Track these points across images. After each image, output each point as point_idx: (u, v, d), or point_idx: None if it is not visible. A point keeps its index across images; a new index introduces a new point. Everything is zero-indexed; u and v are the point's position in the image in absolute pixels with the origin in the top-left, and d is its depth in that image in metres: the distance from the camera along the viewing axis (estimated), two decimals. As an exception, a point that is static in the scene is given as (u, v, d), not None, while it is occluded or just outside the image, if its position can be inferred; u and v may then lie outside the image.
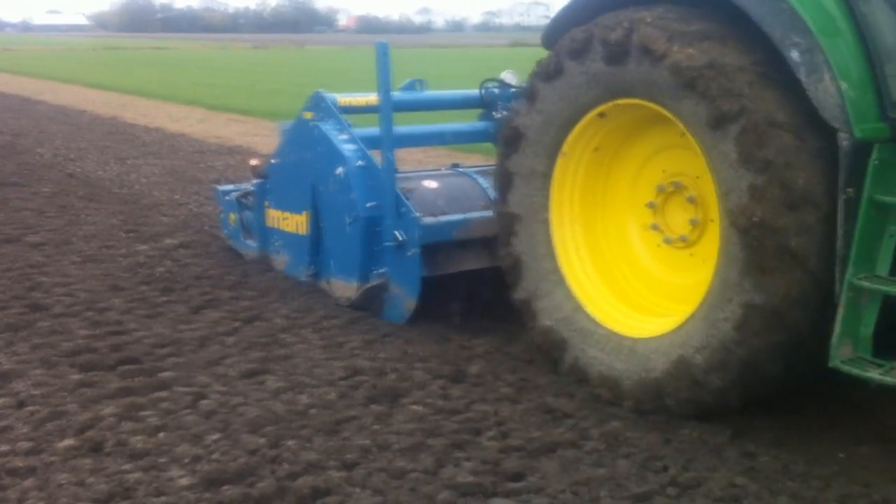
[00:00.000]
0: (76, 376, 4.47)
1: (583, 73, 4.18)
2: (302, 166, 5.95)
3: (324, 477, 3.45)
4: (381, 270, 5.40)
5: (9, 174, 10.69)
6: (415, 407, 4.13)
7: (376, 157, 5.47)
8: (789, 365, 3.74)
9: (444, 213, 5.41)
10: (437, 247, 5.28)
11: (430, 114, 6.84)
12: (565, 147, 4.42)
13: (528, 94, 4.51)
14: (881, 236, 3.53)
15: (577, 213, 4.57)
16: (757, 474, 3.50)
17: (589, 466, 3.58)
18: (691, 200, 4.17)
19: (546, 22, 4.80)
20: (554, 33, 4.50)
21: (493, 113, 6.25)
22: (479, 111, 6.49)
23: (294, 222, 6.11)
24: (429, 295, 5.24)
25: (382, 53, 5.27)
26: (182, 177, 10.74)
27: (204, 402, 4.17)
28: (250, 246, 6.66)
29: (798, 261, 3.54)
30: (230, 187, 7.20)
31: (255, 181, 6.53)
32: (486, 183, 5.67)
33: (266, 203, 6.43)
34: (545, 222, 4.55)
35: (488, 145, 6.55)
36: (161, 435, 3.82)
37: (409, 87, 6.36)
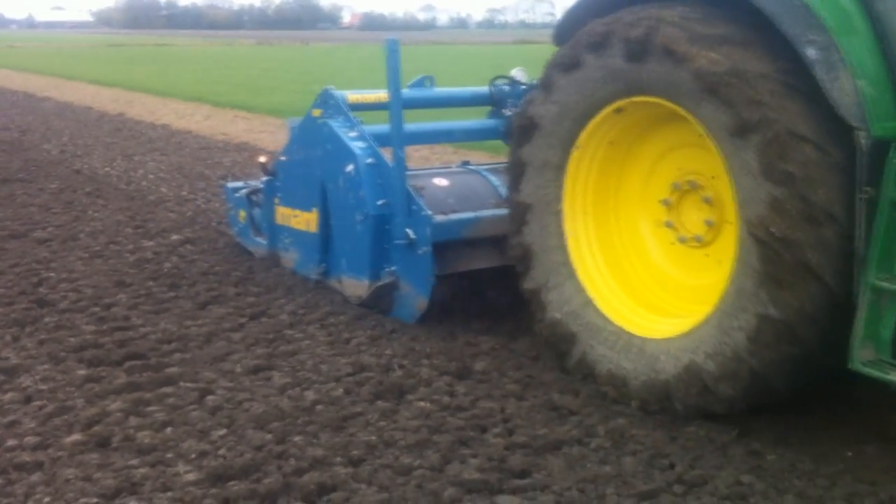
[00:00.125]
0: (83, 372, 4.48)
1: (601, 67, 4.09)
2: (311, 163, 5.92)
3: (330, 473, 3.46)
4: (392, 269, 5.38)
5: (16, 170, 10.71)
6: (421, 403, 4.13)
7: (386, 154, 5.44)
8: (797, 377, 3.72)
9: (454, 211, 5.36)
10: (448, 245, 5.23)
11: (436, 111, 6.81)
12: (580, 140, 4.35)
13: (545, 84, 4.41)
14: None
15: (590, 206, 4.50)
16: (763, 472, 3.50)
17: (595, 464, 3.58)
18: (707, 201, 4.10)
19: (551, 19, 4.76)
20: (567, 28, 4.42)
21: (503, 110, 6.23)
22: (487, 109, 6.46)
23: (304, 220, 6.09)
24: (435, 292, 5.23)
25: (392, 50, 5.23)
26: (188, 173, 10.75)
27: (210, 397, 4.18)
28: (259, 243, 6.65)
29: (815, 276, 3.48)
30: (239, 184, 7.19)
31: (264, 178, 6.51)
32: (497, 181, 5.63)
33: (275, 200, 6.41)
34: (557, 214, 4.49)
35: (493, 142, 6.54)
36: (167, 430, 3.83)
37: (419, 84, 6.33)
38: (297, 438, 3.75)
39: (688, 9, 3.88)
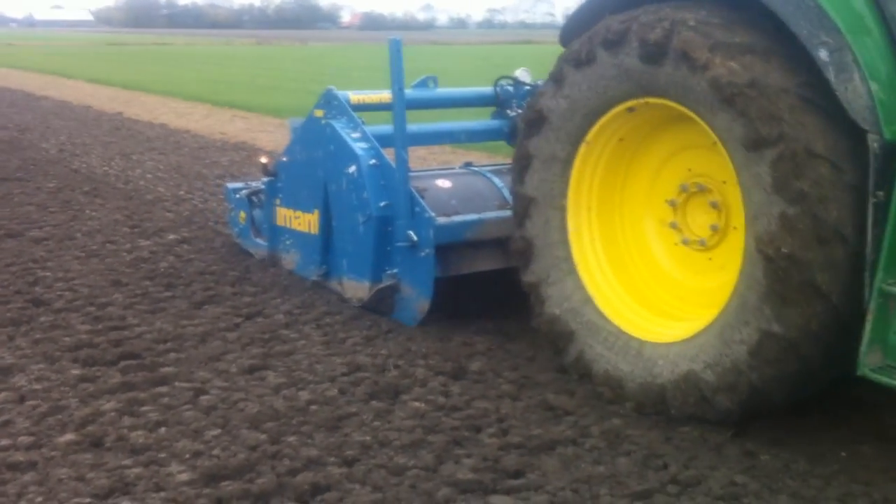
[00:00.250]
0: (77, 371, 4.48)
1: (615, 65, 3.99)
2: (313, 164, 5.88)
3: (324, 473, 3.45)
4: (394, 271, 5.35)
5: (13, 169, 10.70)
6: (415, 403, 4.13)
7: (389, 155, 5.41)
8: (797, 391, 3.70)
9: (457, 213, 5.32)
10: (450, 247, 5.19)
11: (436, 111, 6.80)
12: (589, 136, 4.26)
13: (556, 78, 4.30)
14: None
15: (595, 203, 4.44)
16: (757, 473, 3.49)
17: (589, 464, 3.57)
18: (714, 206, 4.04)
19: (550, 19, 4.73)
20: (574, 30, 4.35)
21: (507, 111, 6.22)
22: (490, 109, 6.44)
23: (305, 221, 6.05)
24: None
25: (396, 50, 5.21)
26: (186, 172, 10.74)
27: (204, 397, 4.18)
28: (260, 245, 6.63)
29: (821, 296, 3.43)
30: (239, 185, 7.13)
31: (265, 179, 6.47)
32: (500, 182, 5.59)
33: (276, 201, 6.37)
34: (561, 209, 4.43)
35: (493, 143, 6.52)
36: (161, 430, 3.83)
37: (422, 84, 6.31)
38: (291, 438, 3.75)
39: (707, 12, 3.76)
